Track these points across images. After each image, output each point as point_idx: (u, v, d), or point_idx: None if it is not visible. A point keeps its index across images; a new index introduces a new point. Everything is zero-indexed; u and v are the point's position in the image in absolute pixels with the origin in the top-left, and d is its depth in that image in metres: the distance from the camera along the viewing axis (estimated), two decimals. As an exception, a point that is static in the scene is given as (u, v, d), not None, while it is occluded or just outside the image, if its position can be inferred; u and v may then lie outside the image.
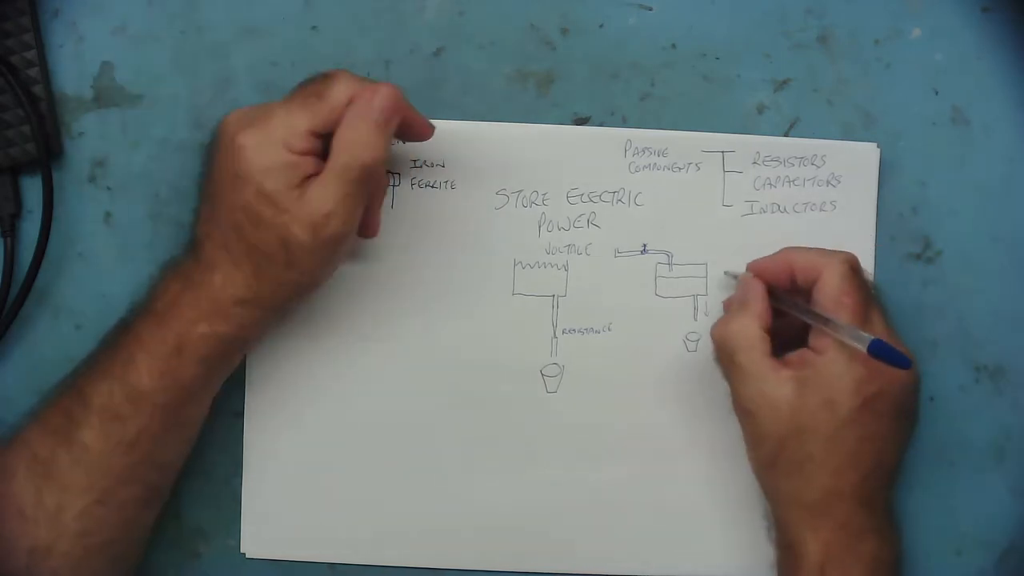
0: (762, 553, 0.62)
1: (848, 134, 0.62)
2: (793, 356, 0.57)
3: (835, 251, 0.58)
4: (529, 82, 0.62)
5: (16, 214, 0.61)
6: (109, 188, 0.62)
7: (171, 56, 0.62)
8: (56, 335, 0.62)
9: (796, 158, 0.62)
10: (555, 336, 0.62)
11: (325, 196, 0.54)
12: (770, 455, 0.57)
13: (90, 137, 0.62)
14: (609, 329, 0.62)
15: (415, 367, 0.62)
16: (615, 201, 0.62)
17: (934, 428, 0.62)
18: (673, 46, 0.62)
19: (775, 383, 0.56)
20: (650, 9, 0.62)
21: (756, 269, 0.60)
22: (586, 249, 0.62)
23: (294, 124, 0.54)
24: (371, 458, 0.62)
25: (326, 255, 0.56)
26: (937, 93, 0.62)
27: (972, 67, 0.62)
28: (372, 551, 0.63)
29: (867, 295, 0.57)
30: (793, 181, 0.62)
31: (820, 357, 0.56)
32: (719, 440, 0.62)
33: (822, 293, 0.57)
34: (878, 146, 0.62)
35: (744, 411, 0.58)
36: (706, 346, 0.62)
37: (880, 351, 0.53)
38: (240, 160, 0.54)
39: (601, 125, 0.62)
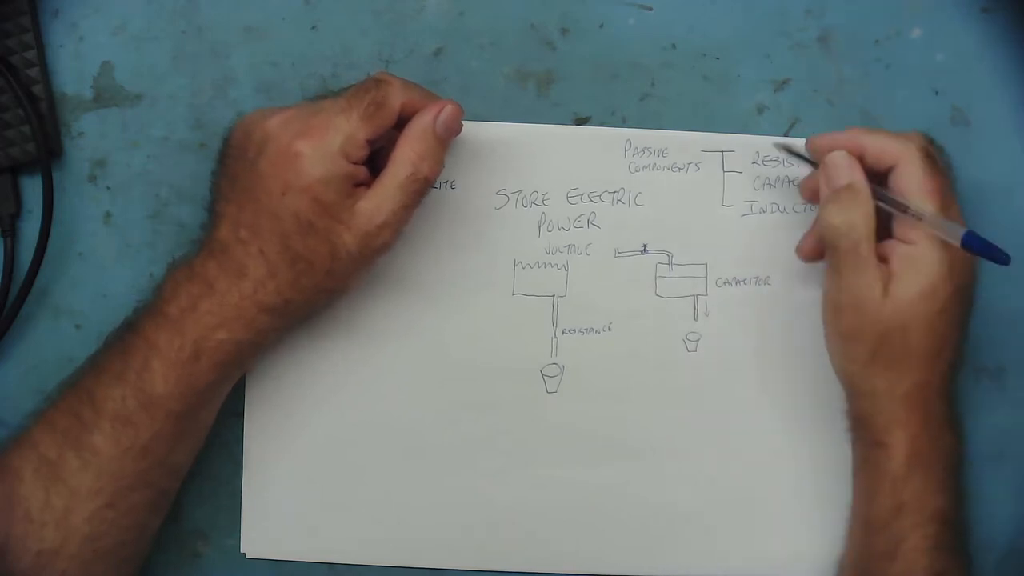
0: (762, 553, 0.62)
1: (848, 134, 0.62)
2: (884, 249, 0.56)
3: (907, 135, 0.57)
4: (529, 82, 0.62)
5: (16, 214, 0.61)
6: (109, 188, 0.62)
7: (171, 56, 0.62)
8: (56, 335, 0.62)
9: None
10: (555, 336, 0.62)
11: (381, 207, 0.55)
12: (869, 351, 0.55)
13: (90, 137, 0.62)
14: (609, 329, 0.62)
15: (415, 367, 0.62)
16: (615, 201, 0.62)
17: (934, 428, 0.62)
18: (673, 46, 0.62)
19: (880, 277, 0.55)
20: (650, 9, 0.62)
21: (825, 147, 0.57)
22: (586, 249, 0.62)
23: (354, 134, 0.55)
24: (371, 458, 0.62)
25: (368, 265, 0.57)
26: (937, 93, 0.62)
27: (972, 67, 0.62)
28: (372, 551, 0.63)
29: (946, 182, 0.56)
30: (793, 181, 0.62)
31: (914, 247, 0.55)
32: (719, 440, 0.62)
33: (903, 182, 0.55)
34: (878, 146, 0.62)
35: (843, 306, 0.56)
36: (706, 346, 0.62)
37: (974, 243, 0.52)
38: (296, 169, 0.54)
39: (601, 125, 0.62)
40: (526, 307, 0.62)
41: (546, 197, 0.62)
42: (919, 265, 0.55)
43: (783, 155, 0.61)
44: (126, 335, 0.56)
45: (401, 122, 0.56)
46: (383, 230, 0.55)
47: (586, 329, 0.62)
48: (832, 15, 0.62)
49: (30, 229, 0.61)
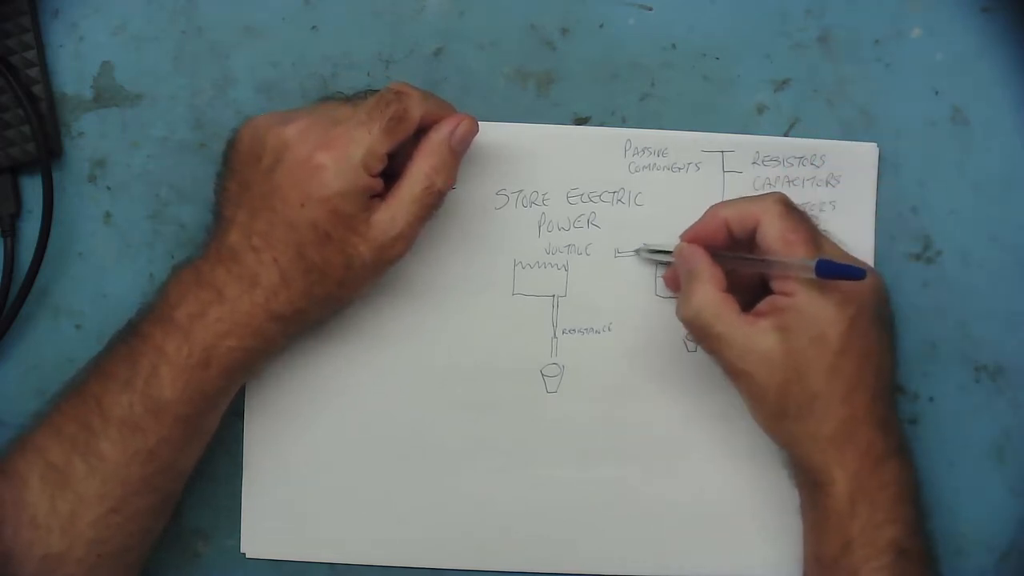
0: (762, 551, 0.62)
1: (848, 134, 0.62)
2: (763, 306, 0.56)
3: (764, 194, 0.58)
4: (529, 82, 0.62)
5: (16, 214, 0.61)
6: (109, 188, 0.62)
7: (171, 56, 0.62)
8: (56, 335, 0.62)
9: (796, 158, 0.62)
10: (555, 336, 0.62)
11: (396, 219, 0.56)
12: (776, 407, 0.56)
13: (90, 137, 0.62)
14: (609, 329, 0.62)
15: (415, 367, 0.62)
16: (615, 201, 0.62)
17: (934, 428, 0.62)
18: (673, 46, 0.62)
19: (759, 337, 0.55)
20: (650, 9, 0.62)
21: (691, 236, 0.59)
22: (586, 249, 0.62)
23: (375, 147, 0.55)
24: (371, 458, 0.62)
25: (379, 275, 0.57)
26: (937, 93, 0.62)
27: (972, 67, 0.62)
28: (372, 551, 0.63)
29: (811, 226, 0.57)
30: (792, 181, 0.62)
31: (792, 298, 0.55)
32: (719, 440, 0.62)
33: (766, 237, 0.56)
34: (878, 146, 0.62)
35: (738, 373, 0.56)
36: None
37: (829, 269, 0.53)
38: (317, 180, 0.54)
39: (601, 125, 0.62)
40: (526, 307, 0.62)
41: (546, 197, 0.62)
42: (802, 314, 0.55)
43: (647, 256, 0.62)
44: (132, 340, 0.56)
45: (416, 132, 0.57)
46: (397, 242, 0.56)
47: (586, 329, 0.62)
48: (832, 15, 0.62)
49: (30, 229, 0.61)
